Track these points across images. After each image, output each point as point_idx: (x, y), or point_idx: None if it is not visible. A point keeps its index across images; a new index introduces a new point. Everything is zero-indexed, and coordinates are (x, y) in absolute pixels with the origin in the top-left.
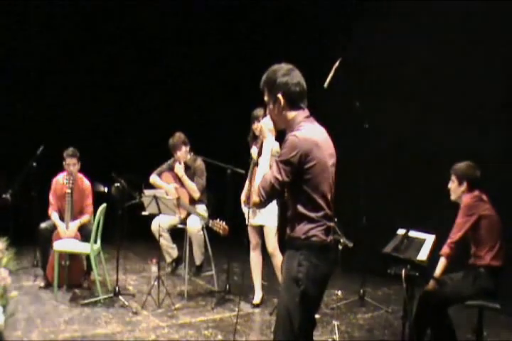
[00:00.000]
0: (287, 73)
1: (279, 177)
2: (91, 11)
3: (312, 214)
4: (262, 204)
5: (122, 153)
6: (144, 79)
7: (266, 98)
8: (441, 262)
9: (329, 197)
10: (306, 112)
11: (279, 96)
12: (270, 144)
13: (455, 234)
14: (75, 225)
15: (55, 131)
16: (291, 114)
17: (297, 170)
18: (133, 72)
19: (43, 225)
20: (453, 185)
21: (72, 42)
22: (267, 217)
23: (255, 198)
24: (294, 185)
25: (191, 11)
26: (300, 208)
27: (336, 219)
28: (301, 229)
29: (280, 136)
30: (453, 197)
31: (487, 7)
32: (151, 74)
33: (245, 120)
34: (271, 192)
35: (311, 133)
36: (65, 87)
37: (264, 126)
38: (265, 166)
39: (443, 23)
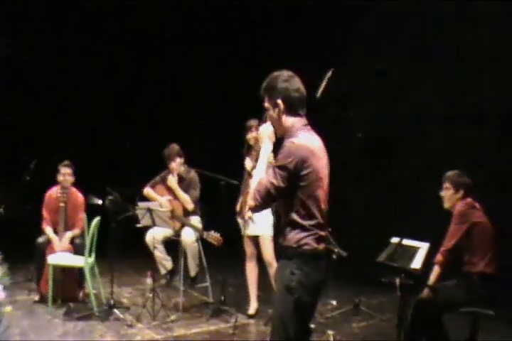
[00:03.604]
0: (287, 79)
1: (274, 182)
2: (91, 11)
3: (305, 223)
4: (257, 208)
5: (122, 153)
6: (144, 79)
7: (266, 104)
8: (435, 270)
9: (323, 206)
10: (304, 120)
11: (279, 101)
12: (268, 150)
13: (448, 242)
14: (67, 237)
15: (54, 132)
16: (289, 121)
17: (293, 177)
18: (133, 72)
19: (40, 240)
20: (448, 192)
21: (72, 42)
22: (262, 227)
23: (251, 202)
24: (289, 191)
25: (191, 11)
26: (293, 215)
27: (329, 229)
28: (293, 237)
29: (276, 145)
30: (447, 204)
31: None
32: (151, 74)
33: (245, 120)
34: (266, 197)
35: (308, 141)
36: (65, 87)
37: (264, 131)
38: (261, 172)
39: (443, 23)
